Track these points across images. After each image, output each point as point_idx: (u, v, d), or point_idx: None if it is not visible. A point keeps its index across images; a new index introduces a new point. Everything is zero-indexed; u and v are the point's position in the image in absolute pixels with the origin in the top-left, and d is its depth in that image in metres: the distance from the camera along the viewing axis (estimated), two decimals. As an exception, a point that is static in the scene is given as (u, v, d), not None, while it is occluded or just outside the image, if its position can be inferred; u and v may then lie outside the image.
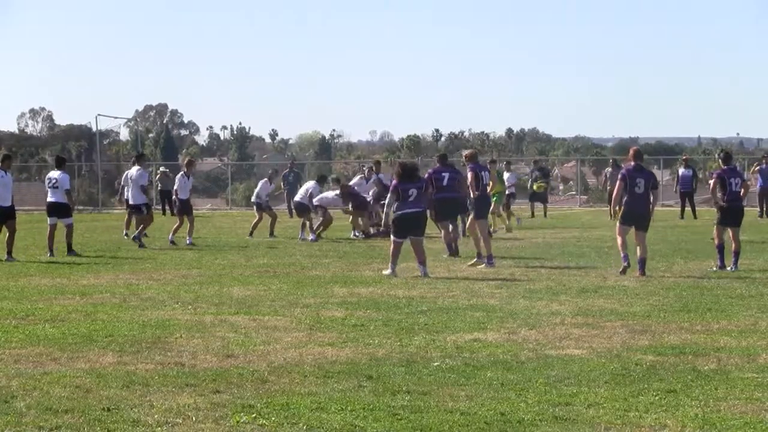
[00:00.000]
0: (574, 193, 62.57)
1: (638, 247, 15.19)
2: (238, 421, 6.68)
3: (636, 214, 15.26)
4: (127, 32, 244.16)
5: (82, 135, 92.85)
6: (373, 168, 26.31)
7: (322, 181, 24.99)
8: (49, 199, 20.21)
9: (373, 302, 12.35)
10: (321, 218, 23.73)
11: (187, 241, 21.99)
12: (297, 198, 24.33)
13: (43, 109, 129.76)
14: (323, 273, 15.95)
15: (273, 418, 6.74)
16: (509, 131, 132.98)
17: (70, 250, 19.75)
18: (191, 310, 11.79)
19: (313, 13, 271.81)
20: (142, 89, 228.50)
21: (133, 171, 22.64)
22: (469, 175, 17.21)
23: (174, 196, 23.31)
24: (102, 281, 14.97)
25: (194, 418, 6.75)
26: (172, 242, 21.87)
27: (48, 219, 20.12)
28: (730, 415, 6.78)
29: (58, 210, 20.06)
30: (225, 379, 7.94)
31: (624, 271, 15.05)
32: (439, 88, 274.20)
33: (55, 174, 20.26)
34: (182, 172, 23.24)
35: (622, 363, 8.52)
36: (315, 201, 23.50)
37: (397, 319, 10.95)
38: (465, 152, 18.40)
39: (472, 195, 17.17)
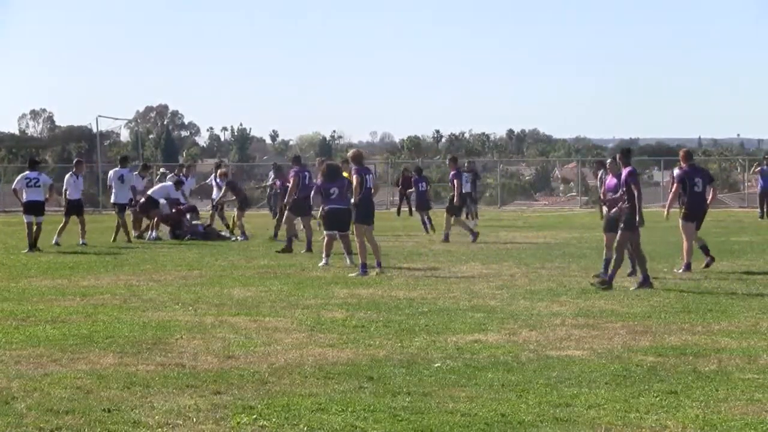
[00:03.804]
0: (574, 194, 62.57)
1: (695, 240, 16.05)
2: (238, 422, 6.68)
3: (698, 212, 16.20)
4: (127, 32, 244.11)
5: (83, 136, 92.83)
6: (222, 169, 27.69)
7: (178, 185, 25.16)
8: (30, 198, 20.79)
9: (374, 303, 12.35)
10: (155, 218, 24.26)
11: (81, 242, 21.98)
12: (149, 192, 24.70)
13: (43, 110, 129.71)
14: (324, 274, 15.95)
15: (274, 419, 6.74)
16: (510, 132, 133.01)
17: (34, 246, 20.55)
18: (192, 311, 11.79)
19: (314, 13, 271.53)
20: (142, 90, 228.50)
21: (123, 171, 23.58)
22: (355, 178, 16.26)
23: (63, 196, 22.90)
24: (102, 282, 14.97)
25: (195, 419, 6.75)
26: (57, 243, 21.83)
27: (25, 217, 20.83)
28: (730, 416, 6.79)
29: (38, 208, 20.75)
30: (226, 380, 7.94)
31: (688, 268, 15.71)
32: (440, 88, 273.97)
33: (34, 174, 20.91)
34: (71, 172, 23.00)
35: (623, 364, 8.52)
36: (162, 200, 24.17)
37: (397, 320, 10.95)
38: (349, 153, 17.60)
39: (354, 199, 16.28)
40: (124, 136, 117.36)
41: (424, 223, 25.96)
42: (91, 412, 6.94)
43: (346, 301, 12.63)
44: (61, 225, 22.38)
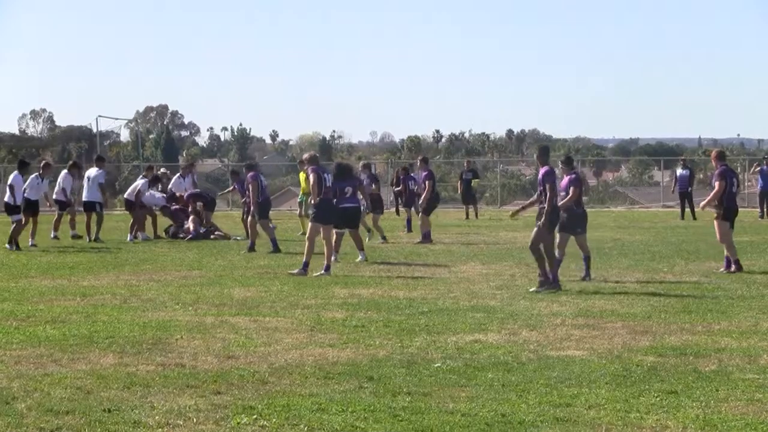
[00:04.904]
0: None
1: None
2: (238, 423, 6.68)
3: (735, 212, 16.10)
4: (127, 32, 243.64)
5: (83, 136, 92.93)
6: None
7: (154, 181, 24.94)
8: (6, 200, 22.10)
9: (374, 303, 12.35)
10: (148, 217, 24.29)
11: (30, 243, 21.67)
12: (125, 195, 25.19)
13: (43, 110, 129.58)
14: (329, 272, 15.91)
15: (274, 420, 6.74)
16: (510, 132, 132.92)
17: (10, 243, 21.23)
18: (192, 312, 11.80)
19: (313, 13, 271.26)
20: (142, 90, 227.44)
21: (93, 171, 24.10)
22: (311, 177, 16.14)
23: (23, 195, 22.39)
24: (103, 282, 14.97)
25: (195, 420, 6.76)
26: (34, 245, 21.78)
27: (11, 218, 21.90)
28: (731, 416, 6.79)
29: (8, 209, 21.94)
30: (226, 381, 7.94)
31: (739, 269, 15.53)
32: (439, 88, 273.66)
33: (12, 175, 22.36)
34: (36, 174, 22.79)
35: (623, 364, 8.53)
36: (143, 200, 24.04)
37: (397, 320, 10.95)
38: (304, 156, 17.70)
39: (312, 199, 16.23)
40: (124, 136, 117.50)
41: (408, 221, 26.23)
42: (91, 412, 6.94)
43: (346, 301, 12.63)
44: (32, 228, 22.02)
